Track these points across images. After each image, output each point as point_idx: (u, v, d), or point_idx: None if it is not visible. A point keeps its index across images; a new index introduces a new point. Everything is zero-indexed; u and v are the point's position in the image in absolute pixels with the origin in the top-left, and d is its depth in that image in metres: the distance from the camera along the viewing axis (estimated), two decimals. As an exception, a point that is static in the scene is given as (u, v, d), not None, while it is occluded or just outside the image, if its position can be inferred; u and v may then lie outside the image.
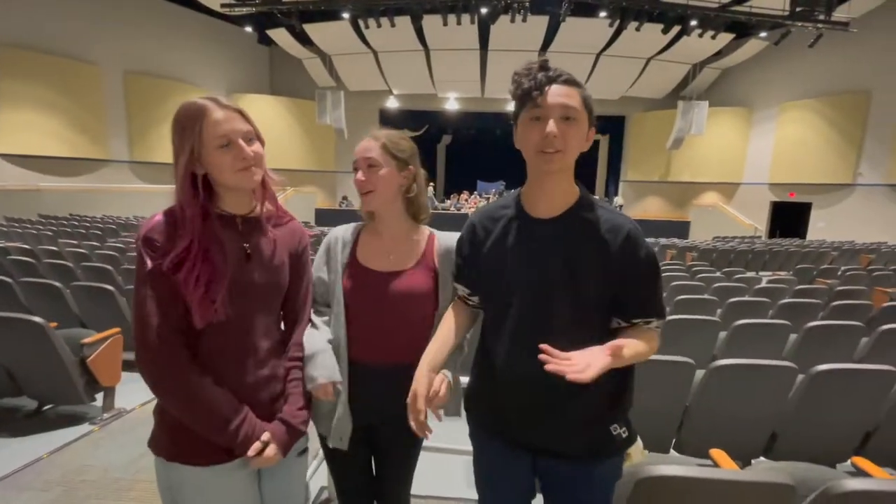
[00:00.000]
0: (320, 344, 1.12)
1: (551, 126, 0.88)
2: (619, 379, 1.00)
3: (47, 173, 10.40)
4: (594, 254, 0.94)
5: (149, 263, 0.89)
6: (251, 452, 0.94)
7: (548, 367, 0.80)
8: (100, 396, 2.60)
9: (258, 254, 1.01)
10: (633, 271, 0.94)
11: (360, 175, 1.14)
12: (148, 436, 1.00)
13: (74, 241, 5.88)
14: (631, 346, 0.91)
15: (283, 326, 1.13)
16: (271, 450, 0.96)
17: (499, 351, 1.02)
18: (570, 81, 0.92)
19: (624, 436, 1.02)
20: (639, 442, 1.07)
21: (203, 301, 0.89)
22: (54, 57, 10.26)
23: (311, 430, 1.15)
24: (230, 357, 0.97)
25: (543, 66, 0.91)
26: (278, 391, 1.05)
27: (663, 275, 5.13)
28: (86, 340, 2.45)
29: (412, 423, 1.00)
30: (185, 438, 0.93)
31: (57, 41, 10.36)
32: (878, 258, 7.71)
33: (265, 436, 0.97)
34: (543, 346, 0.84)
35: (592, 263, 0.93)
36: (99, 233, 6.99)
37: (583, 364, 0.80)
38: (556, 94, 0.89)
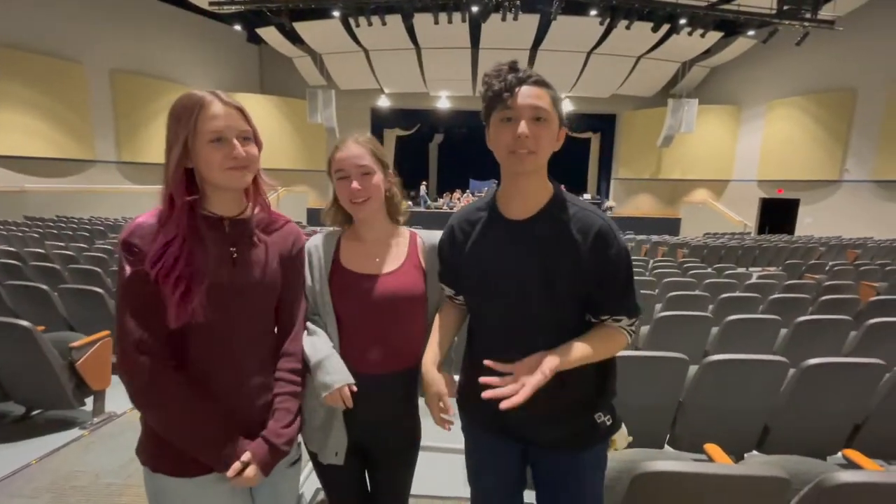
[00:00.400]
0: (326, 349, 1.09)
1: (523, 127, 0.89)
2: (601, 369, 1.03)
3: (32, 174, 10.19)
4: (566, 253, 0.95)
5: (128, 270, 0.85)
6: (230, 473, 0.91)
7: (484, 394, 0.86)
8: (89, 400, 2.56)
9: (246, 258, 0.97)
10: (603, 269, 0.94)
11: (355, 184, 1.10)
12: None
13: (61, 243, 5.77)
14: (577, 351, 0.93)
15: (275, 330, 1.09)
16: (251, 470, 0.93)
17: (484, 349, 1.04)
18: (540, 82, 0.93)
19: (608, 423, 1.05)
20: (622, 428, 1.11)
21: (180, 302, 0.86)
22: (37, 55, 10.05)
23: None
24: (219, 364, 0.95)
25: (513, 68, 0.92)
26: (270, 400, 1.02)
27: (655, 271, 5.21)
28: (74, 344, 2.41)
29: (438, 420, 1.05)
30: (170, 449, 0.90)
31: (40, 39, 10.14)
32: (865, 253, 7.83)
33: (245, 456, 0.93)
34: (487, 362, 0.91)
35: (565, 263, 0.95)
36: (87, 234, 6.89)
37: (519, 379, 0.87)
38: (527, 95, 0.90)
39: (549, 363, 0.89)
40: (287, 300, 1.07)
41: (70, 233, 7.01)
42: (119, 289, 0.88)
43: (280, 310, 1.07)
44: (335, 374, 1.05)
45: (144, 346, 0.86)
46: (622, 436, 1.10)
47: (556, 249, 0.96)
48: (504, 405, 0.83)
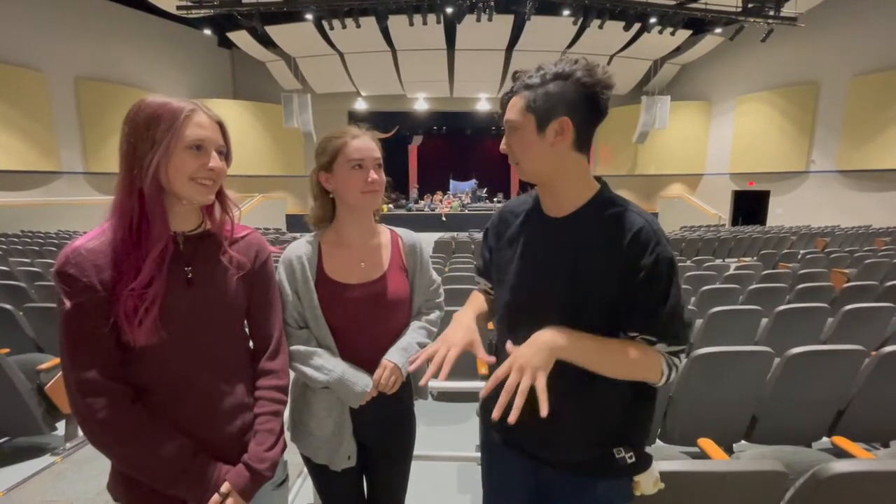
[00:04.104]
0: (337, 364, 1.09)
1: (503, 143, 0.95)
2: (632, 403, 0.93)
3: (-7, 188, 9.77)
4: (597, 254, 0.88)
5: (67, 304, 0.78)
6: None
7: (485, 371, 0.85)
8: (61, 425, 2.43)
9: (202, 277, 0.91)
10: (635, 275, 0.84)
11: (373, 175, 1.12)
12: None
13: (27, 260, 5.52)
14: (594, 342, 0.83)
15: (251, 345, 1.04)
16: (231, 501, 0.87)
17: (505, 351, 0.96)
18: (521, 88, 0.90)
19: (629, 461, 0.94)
20: (653, 472, 0.97)
21: (145, 318, 0.81)
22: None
23: (290, 454, 1.09)
24: (182, 392, 0.88)
25: (513, 79, 0.93)
26: (249, 421, 0.96)
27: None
28: (42, 366, 2.28)
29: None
30: (139, 484, 0.85)
31: (-4, 47, 9.73)
32: (833, 241, 8.13)
33: (224, 486, 0.87)
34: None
35: (595, 264, 0.87)
36: (54, 249, 6.60)
37: (517, 373, 0.79)
38: (508, 109, 0.92)
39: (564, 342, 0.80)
40: (258, 316, 1.02)
41: (36, 248, 6.70)
42: (60, 325, 0.80)
43: (253, 326, 1.02)
44: (359, 385, 1.09)
45: (94, 387, 0.79)
46: (649, 478, 0.96)
47: (588, 249, 0.89)
48: (511, 419, 0.74)
